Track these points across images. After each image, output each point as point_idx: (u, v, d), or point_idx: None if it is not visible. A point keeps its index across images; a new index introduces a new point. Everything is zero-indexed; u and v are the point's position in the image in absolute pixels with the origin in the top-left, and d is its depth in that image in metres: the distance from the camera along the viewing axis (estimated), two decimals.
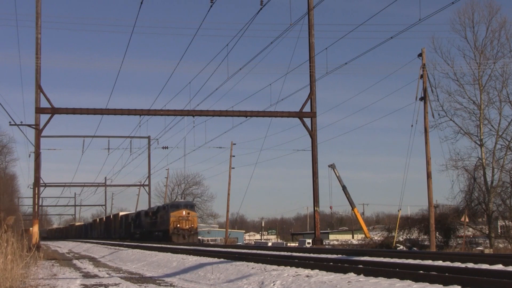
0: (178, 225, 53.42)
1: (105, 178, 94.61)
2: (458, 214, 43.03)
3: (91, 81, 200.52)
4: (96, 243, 65.43)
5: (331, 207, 77.34)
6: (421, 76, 35.19)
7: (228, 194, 62.81)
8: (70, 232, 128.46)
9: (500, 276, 10.73)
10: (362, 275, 12.59)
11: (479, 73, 45.52)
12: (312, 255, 20.24)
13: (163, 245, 39.16)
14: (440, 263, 14.05)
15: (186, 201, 62.13)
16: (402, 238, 46.06)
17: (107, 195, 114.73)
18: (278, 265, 16.52)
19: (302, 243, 55.93)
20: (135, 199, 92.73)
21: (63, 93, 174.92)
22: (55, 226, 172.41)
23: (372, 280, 11.67)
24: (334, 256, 18.84)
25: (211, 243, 70.46)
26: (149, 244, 44.33)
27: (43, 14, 36.97)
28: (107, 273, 21.59)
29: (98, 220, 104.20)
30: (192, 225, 54.24)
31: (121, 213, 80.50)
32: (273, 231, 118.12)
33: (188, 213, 54.57)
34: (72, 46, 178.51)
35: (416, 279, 11.13)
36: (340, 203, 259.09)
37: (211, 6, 23.76)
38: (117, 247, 43.96)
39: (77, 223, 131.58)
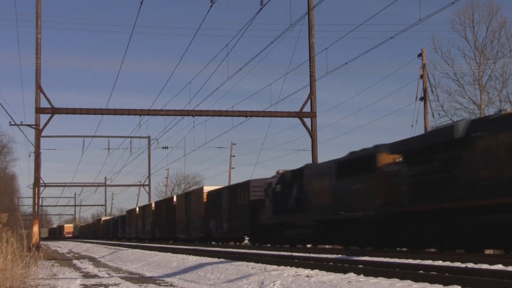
0: None
1: (105, 178, 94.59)
2: None
3: (91, 81, 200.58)
4: (96, 243, 65.30)
5: None
6: (421, 76, 35.22)
7: None
8: (97, 230, 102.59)
9: (500, 276, 10.72)
10: (362, 275, 12.58)
11: (479, 73, 45.53)
12: (312, 255, 20.22)
13: (162, 245, 39.16)
14: (440, 263, 14.03)
15: None
16: None
17: (107, 195, 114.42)
18: (278, 265, 16.51)
19: None
20: (135, 199, 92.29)
21: (63, 93, 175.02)
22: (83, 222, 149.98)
23: (372, 280, 11.67)
24: (334, 256, 18.82)
25: None
26: (149, 244, 44.27)
27: (43, 14, 37.10)
28: (107, 273, 21.59)
29: (137, 210, 67.62)
30: None
31: (207, 188, 42.69)
32: None
33: None
34: (72, 46, 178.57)
35: (416, 279, 11.12)
36: None
37: (211, 6, 23.78)
38: (117, 247, 43.99)
39: (103, 218, 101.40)
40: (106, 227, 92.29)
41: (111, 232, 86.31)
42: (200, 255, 23.68)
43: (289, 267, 15.80)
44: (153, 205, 59.16)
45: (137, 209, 67.46)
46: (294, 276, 13.63)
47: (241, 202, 35.00)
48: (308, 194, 26.15)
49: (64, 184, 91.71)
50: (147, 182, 79.21)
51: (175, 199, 50.79)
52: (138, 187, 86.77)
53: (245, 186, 35.10)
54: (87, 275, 20.56)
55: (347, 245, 23.90)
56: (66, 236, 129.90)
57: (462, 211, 17.18)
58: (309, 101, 36.28)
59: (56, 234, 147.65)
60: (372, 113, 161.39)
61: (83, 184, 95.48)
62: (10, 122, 38.56)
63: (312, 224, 25.92)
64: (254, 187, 33.73)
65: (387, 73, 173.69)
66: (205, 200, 41.57)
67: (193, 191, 46.87)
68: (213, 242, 40.90)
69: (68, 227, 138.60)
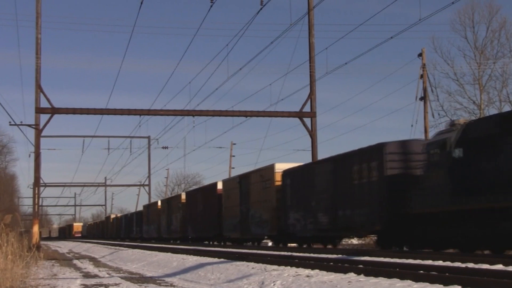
0: None
1: (105, 178, 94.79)
2: None
3: (91, 81, 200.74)
4: (97, 243, 65.35)
5: None
6: (421, 76, 35.25)
7: None
8: (106, 229, 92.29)
9: (500, 276, 10.73)
10: (362, 275, 12.59)
11: (479, 73, 45.58)
12: (312, 255, 20.24)
13: (163, 245, 39.18)
14: (440, 263, 14.03)
15: None
16: None
17: (107, 195, 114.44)
18: (279, 265, 16.51)
19: None
20: (135, 199, 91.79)
21: (63, 93, 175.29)
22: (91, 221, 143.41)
23: (372, 280, 11.67)
24: (334, 256, 18.83)
25: None
26: (149, 244, 44.31)
27: (43, 14, 37.07)
28: (107, 273, 21.59)
29: (159, 204, 56.28)
30: None
31: (282, 166, 30.41)
32: None
33: None
34: (72, 46, 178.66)
35: (417, 279, 11.12)
36: None
37: (211, 6, 23.82)
38: (117, 247, 43.99)
39: (113, 215, 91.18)
40: (117, 226, 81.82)
41: (123, 231, 76.27)
42: (200, 255, 23.69)
43: (289, 267, 15.80)
44: (183, 196, 48.22)
45: (159, 203, 56.12)
46: (294, 276, 13.63)
47: (364, 180, 22.63)
48: None
49: (64, 184, 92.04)
50: (147, 182, 79.25)
51: (220, 185, 38.84)
52: (138, 187, 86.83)
53: (374, 153, 22.14)
54: (87, 275, 20.56)
55: None
56: (75, 235, 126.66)
57: None
58: (309, 101, 36.28)
59: (66, 233, 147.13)
60: (372, 113, 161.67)
61: (83, 184, 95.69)
62: (10, 122, 38.55)
63: None
64: (393, 154, 21.20)
65: (387, 73, 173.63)
66: (278, 183, 29.94)
67: (255, 172, 33.36)
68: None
69: (77, 226, 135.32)
